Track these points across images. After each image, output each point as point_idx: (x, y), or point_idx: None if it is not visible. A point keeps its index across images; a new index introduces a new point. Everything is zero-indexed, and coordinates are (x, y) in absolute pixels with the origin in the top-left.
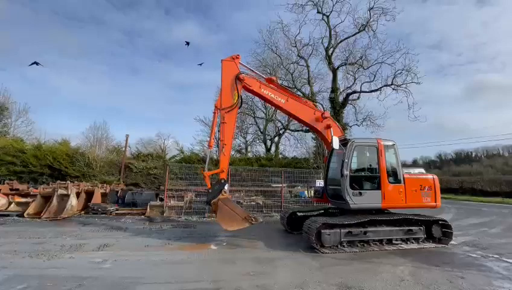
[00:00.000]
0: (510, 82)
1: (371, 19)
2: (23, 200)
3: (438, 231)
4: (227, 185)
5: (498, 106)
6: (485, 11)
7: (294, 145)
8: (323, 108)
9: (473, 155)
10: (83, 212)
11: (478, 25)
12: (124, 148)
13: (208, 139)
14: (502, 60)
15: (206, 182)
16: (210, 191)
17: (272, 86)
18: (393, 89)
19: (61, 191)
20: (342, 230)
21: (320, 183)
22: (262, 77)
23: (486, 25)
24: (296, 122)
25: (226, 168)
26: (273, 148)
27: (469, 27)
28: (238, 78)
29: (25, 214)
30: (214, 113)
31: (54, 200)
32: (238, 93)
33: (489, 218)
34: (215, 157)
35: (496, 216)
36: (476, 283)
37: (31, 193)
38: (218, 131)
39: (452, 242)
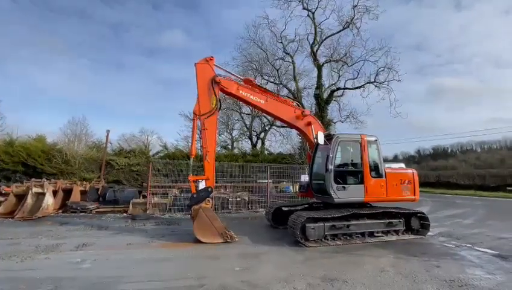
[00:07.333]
0: (482, 83)
1: (355, 17)
2: None
3: (416, 223)
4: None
5: (473, 103)
6: (462, 14)
7: (280, 141)
8: (310, 105)
9: (449, 151)
10: (60, 211)
11: (456, 27)
12: (104, 144)
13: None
14: (477, 61)
15: (191, 187)
16: (194, 196)
17: (250, 86)
18: (375, 86)
19: (36, 190)
20: (325, 224)
21: (305, 178)
22: (240, 78)
23: (463, 28)
24: None
25: (212, 176)
26: (259, 144)
27: (448, 29)
28: (214, 81)
29: None
30: (193, 120)
31: (29, 199)
32: (216, 96)
33: (463, 210)
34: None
35: (469, 208)
36: (451, 271)
37: (3, 192)
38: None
39: (429, 233)
